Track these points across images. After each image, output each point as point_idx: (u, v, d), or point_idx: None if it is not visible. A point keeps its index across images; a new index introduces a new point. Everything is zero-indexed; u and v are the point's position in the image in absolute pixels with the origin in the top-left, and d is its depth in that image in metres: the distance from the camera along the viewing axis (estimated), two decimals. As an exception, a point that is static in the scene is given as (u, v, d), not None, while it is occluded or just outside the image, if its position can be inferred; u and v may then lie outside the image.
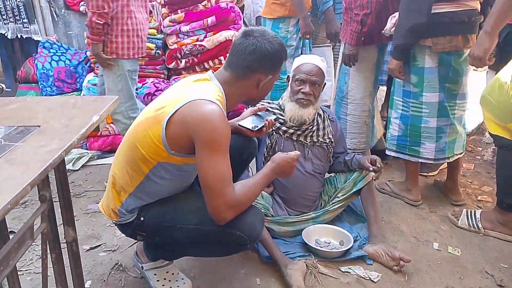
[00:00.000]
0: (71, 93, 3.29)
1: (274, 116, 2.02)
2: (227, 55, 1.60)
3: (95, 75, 3.07)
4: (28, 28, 3.50)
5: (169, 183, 1.58)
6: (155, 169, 1.51)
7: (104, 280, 1.83)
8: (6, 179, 0.82)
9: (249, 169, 2.21)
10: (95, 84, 2.98)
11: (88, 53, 3.09)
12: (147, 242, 1.74)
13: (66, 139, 1.04)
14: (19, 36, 3.54)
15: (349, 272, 1.89)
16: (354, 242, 2.03)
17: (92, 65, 3.10)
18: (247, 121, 1.83)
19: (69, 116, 1.24)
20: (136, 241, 2.07)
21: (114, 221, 1.62)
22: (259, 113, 1.88)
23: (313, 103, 2.14)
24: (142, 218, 1.58)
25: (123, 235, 2.11)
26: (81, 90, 3.24)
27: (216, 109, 1.41)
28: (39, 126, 1.14)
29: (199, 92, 1.47)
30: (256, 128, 1.80)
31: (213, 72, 1.60)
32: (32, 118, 1.23)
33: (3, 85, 1.03)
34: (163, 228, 1.57)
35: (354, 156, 2.25)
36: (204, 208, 1.50)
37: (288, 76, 2.23)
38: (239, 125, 1.81)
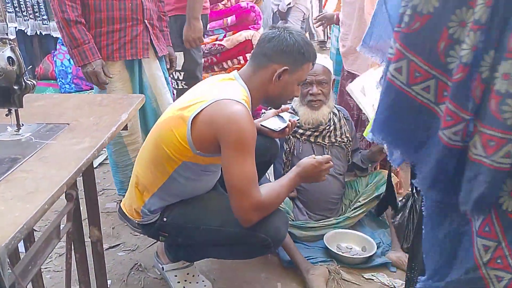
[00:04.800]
0: (89, 91, 3.28)
1: (297, 118, 1.99)
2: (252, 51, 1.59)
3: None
4: (47, 25, 3.50)
5: (193, 184, 1.55)
6: (179, 168, 1.49)
7: (124, 280, 1.81)
8: (41, 178, 0.79)
9: (267, 175, 2.18)
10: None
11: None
12: (169, 243, 1.72)
13: (97, 137, 1.02)
14: (38, 33, 3.55)
15: (372, 279, 1.85)
16: (377, 248, 1.98)
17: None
18: (270, 122, 1.81)
19: (98, 114, 1.22)
20: (155, 241, 2.06)
21: (136, 221, 1.60)
22: (282, 114, 1.86)
23: (325, 102, 2.11)
24: (165, 219, 1.56)
25: (142, 235, 2.14)
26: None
27: (242, 109, 1.39)
28: (68, 124, 1.12)
29: (224, 92, 1.44)
30: (279, 129, 1.77)
31: (237, 72, 1.57)
32: (61, 115, 1.21)
33: (35, 81, 1.01)
34: (186, 229, 1.54)
35: (360, 153, 2.22)
36: (228, 210, 1.47)
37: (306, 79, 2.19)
38: (261, 125, 1.79)
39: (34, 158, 0.89)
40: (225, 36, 3.10)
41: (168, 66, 2.26)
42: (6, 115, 1.00)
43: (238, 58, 3.14)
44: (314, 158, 1.58)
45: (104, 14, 1.90)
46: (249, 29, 3.10)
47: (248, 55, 3.10)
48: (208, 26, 3.08)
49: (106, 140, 1.01)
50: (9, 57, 0.93)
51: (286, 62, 1.49)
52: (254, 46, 3.04)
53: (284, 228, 1.55)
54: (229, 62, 3.17)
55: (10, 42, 0.96)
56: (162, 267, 1.77)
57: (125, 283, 1.80)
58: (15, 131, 1.03)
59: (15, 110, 1.01)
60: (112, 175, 2.32)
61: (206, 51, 3.10)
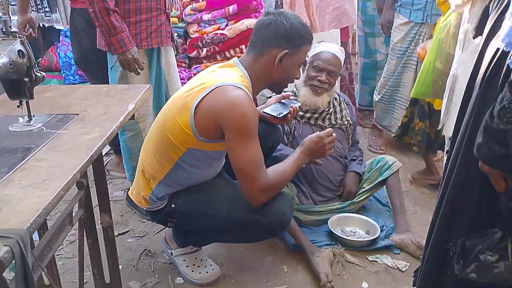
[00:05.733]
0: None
1: (299, 104, 2.01)
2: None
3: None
4: (50, 17, 3.51)
5: (199, 171, 1.59)
6: (184, 156, 1.52)
7: (134, 265, 1.86)
8: (54, 166, 0.83)
9: None
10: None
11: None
12: (177, 228, 1.76)
13: (106, 127, 1.05)
14: (41, 25, 3.56)
15: (376, 261, 1.89)
16: (380, 231, 2.02)
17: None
18: (272, 108, 1.83)
19: (105, 104, 1.25)
20: (163, 228, 2.11)
21: (145, 208, 1.64)
22: (283, 100, 1.88)
23: (328, 90, 2.14)
24: (173, 205, 1.60)
25: (150, 222, 2.19)
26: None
27: (243, 94, 1.42)
28: (77, 114, 1.15)
29: (224, 78, 1.47)
30: (281, 115, 1.80)
31: (237, 58, 1.60)
32: (69, 106, 1.24)
33: (44, 74, 1.04)
34: (194, 215, 1.59)
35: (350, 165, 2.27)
36: (235, 195, 1.52)
37: (305, 61, 2.21)
38: (264, 112, 1.81)
39: (46, 148, 0.92)
40: (227, 25, 3.09)
41: (175, 53, 2.35)
42: (18, 106, 1.03)
43: (240, 47, 3.13)
44: (315, 133, 1.63)
45: (132, 5, 2.00)
46: (251, 17, 3.09)
47: (250, 44, 3.10)
48: (210, 15, 3.09)
49: (115, 129, 1.04)
50: (19, 50, 0.96)
51: (286, 46, 1.51)
52: (255, 34, 3.08)
53: (289, 212, 1.59)
54: (232, 51, 3.17)
55: (20, 36, 0.98)
56: (171, 252, 1.82)
57: (136, 268, 1.85)
58: (26, 122, 1.06)
59: (26, 101, 1.04)
60: (124, 161, 2.36)
61: (208, 41, 3.11)
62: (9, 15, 3.38)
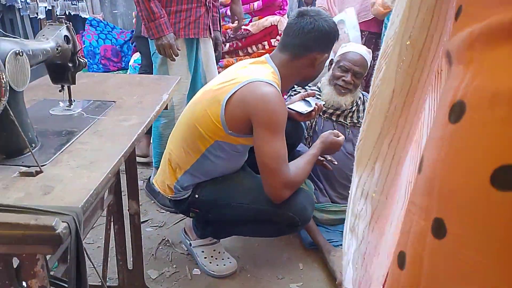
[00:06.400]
0: (117, 72, 3.35)
1: (323, 102, 2.02)
2: (282, 36, 1.61)
3: (140, 54, 3.12)
4: (76, 5, 3.57)
5: (224, 163, 1.61)
6: (212, 147, 1.55)
7: (153, 254, 1.89)
8: (98, 150, 0.85)
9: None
10: (140, 64, 3.03)
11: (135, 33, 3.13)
12: (198, 219, 1.79)
13: (144, 115, 1.07)
14: (67, 13, 3.62)
15: (392, 263, 1.90)
16: (397, 234, 2.02)
17: (138, 44, 3.15)
18: (297, 105, 1.85)
19: (139, 93, 1.28)
20: (182, 218, 2.14)
21: (169, 197, 1.67)
22: (308, 98, 1.90)
23: (352, 91, 2.15)
24: (196, 195, 1.62)
25: (169, 212, 2.22)
26: (126, 69, 3.30)
27: (274, 91, 1.45)
28: (114, 101, 1.18)
29: (257, 74, 1.49)
30: (306, 112, 1.81)
31: (269, 55, 1.61)
32: (105, 93, 1.27)
33: (85, 60, 1.07)
34: (217, 206, 1.61)
35: None
36: (258, 188, 1.54)
37: (332, 59, 2.21)
38: (288, 108, 1.83)
39: (89, 132, 0.95)
40: (251, 21, 3.11)
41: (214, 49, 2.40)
42: (60, 91, 1.06)
43: (263, 43, 3.16)
44: (338, 138, 1.70)
45: None
46: (275, 14, 3.11)
47: (273, 41, 3.11)
48: (235, 10, 3.11)
49: (152, 117, 1.07)
50: (65, 36, 0.98)
51: (326, 50, 1.56)
52: (279, 31, 3.09)
53: (310, 208, 1.61)
54: (254, 47, 3.19)
55: (66, 21, 1.01)
56: (190, 243, 1.84)
57: (154, 257, 1.88)
58: (67, 106, 1.09)
59: (67, 86, 1.07)
60: (152, 147, 2.40)
61: (231, 36, 3.13)
62: (36, 1, 3.44)
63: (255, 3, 3.09)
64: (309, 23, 1.51)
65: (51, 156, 0.81)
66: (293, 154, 1.96)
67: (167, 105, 1.28)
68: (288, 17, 3.26)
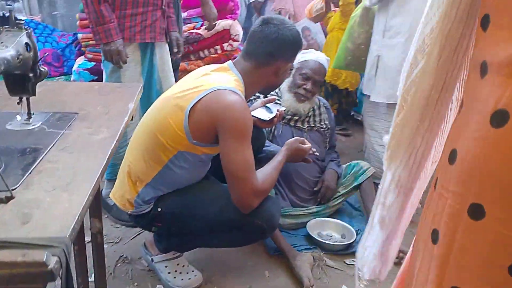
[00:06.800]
0: (58, 77, 3.14)
1: (284, 108, 2.04)
2: (245, 44, 1.60)
3: (85, 59, 2.95)
4: (12, 6, 3.29)
5: (187, 173, 1.56)
6: (175, 158, 1.50)
7: (111, 273, 1.78)
8: (72, 168, 0.78)
9: None
10: (86, 69, 2.87)
11: (79, 36, 2.95)
12: (161, 233, 1.71)
13: (113, 127, 1.00)
14: (1, 14, 3.33)
15: (353, 265, 1.94)
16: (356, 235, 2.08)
17: (82, 48, 2.97)
18: (259, 112, 1.85)
19: (103, 103, 1.20)
20: (139, 232, 2.05)
21: (129, 212, 1.59)
22: (268, 104, 1.90)
23: (310, 99, 2.21)
24: (159, 209, 1.56)
25: (124, 226, 2.11)
26: (69, 74, 3.11)
27: (240, 99, 1.44)
28: (77, 113, 1.09)
29: (221, 82, 1.47)
30: (268, 119, 1.82)
31: (232, 62, 1.59)
32: (64, 104, 1.18)
33: (46, 69, 0.98)
34: (182, 218, 1.56)
35: (329, 163, 2.32)
36: (224, 198, 1.51)
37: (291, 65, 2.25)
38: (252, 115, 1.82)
39: (56, 148, 0.87)
40: (202, 25, 3.06)
41: (176, 50, 2.33)
42: (18, 103, 0.96)
43: (215, 47, 3.11)
44: (303, 146, 1.72)
45: None
46: (227, 18, 3.08)
47: (225, 45, 3.08)
48: (186, 13, 3.04)
49: (122, 130, 1.00)
50: (26, 43, 0.90)
51: (290, 59, 1.57)
52: (231, 35, 3.07)
53: (277, 214, 1.61)
54: (206, 51, 3.14)
55: (25, 27, 0.92)
56: (151, 259, 1.76)
57: (113, 276, 1.78)
58: (25, 120, 0.99)
59: (26, 98, 0.97)
60: None
61: (183, 40, 3.05)
62: None
63: (207, 7, 3.03)
64: (273, 32, 1.50)
65: (19, 178, 0.72)
66: (259, 158, 1.95)
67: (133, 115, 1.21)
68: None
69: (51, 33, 3.32)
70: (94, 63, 2.88)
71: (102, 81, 2.76)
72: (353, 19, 2.65)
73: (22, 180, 0.72)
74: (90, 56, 2.90)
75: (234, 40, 3.10)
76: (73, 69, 2.94)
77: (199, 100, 1.42)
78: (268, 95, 2.06)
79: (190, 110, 1.42)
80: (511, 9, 0.44)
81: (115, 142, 0.91)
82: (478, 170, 0.47)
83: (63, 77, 3.19)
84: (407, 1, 2.13)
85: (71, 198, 0.66)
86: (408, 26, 2.11)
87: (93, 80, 2.86)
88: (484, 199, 0.47)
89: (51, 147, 0.87)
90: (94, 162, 0.81)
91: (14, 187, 0.69)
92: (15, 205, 0.64)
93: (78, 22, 2.93)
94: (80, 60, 2.98)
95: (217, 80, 1.48)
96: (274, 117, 1.83)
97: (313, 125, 2.27)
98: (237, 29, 3.10)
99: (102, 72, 2.78)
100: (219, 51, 3.08)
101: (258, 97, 2.10)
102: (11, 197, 0.65)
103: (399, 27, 2.18)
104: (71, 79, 2.95)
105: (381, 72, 2.29)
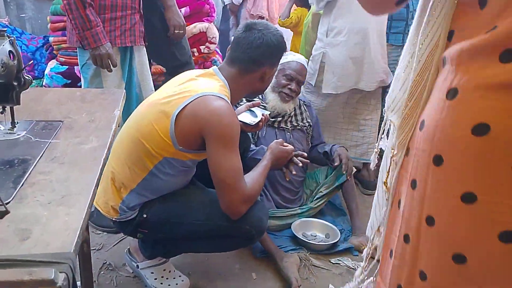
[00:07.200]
0: (29, 82, 3.04)
1: (269, 112, 2.04)
2: (229, 50, 1.59)
3: (57, 63, 2.87)
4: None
5: (173, 179, 1.54)
6: (160, 164, 1.47)
7: (95, 281, 1.74)
8: (66, 180, 0.76)
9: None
10: (59, 73, 2.79)
11: (51, 39, 2.86)
12: (146, 239, 1.69)
13: (102, 136, 0.98)
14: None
15: (339, 264, 1.97)
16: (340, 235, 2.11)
17: (54, 51, 2.88)
18: (244, 116, 1.84)
19: (87, 110, 1.17)
20: (121, 239, 2.01)
21: (113, 219, 1.55)
22: (253, 109, 1.90)
23: (294, 98, 2.22)
24: (145, 215, 1.53)
25: (105, 233, 2.06)
26: (40, 78, 3.01)
27: (227, 104, 1.42)
28: (61, 121, 1.06)
29: (207, 87, 1.45)
30: (254, 123, 1.81)
31: (217, 68, 1.58)
32: (46, 111, 1.14)
33: (30, 77, 0.95)
34: (169, 225, 1.53)
35: (332, 146, 2.32)
36: (211, 203, 1.50)
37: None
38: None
39: (45, 159, 0.84)
40: (180, 28, 3.03)
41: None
42: (1, 112, 0.92)
43: (192, 50, 3.08)
44: (285, 147, 1.72)
45: (108, 1, 1.96)
46: (203, 21, 3.06)
47: (202, 47, 3.06)
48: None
49: (111, 138, 0.98)
50: (10, 51, 0.86)
51: (275, 64, 1.57)
52: (208, 38, 3.05)
53: (265, 218, 1.60)
54: (183, 54, 3.10)
55: (8, 35, 0.88)
56: (137, 265, 1.73)
57: (97, 283, 1.73)
58: (9, 129, 0.95)
59: (10, 107, 0.94)
60: None
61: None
62: None
63: (182, 9, 3.00)
64: (257, 38, 1.50)
65: (12, 191, 0.70)
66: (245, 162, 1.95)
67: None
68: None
69: (19, 36, 3.20)
70: (66, 66, 2.81)
71: (75, 85, 2.70)
72: (306, 25, 2.93)
73: (15, 193, 0.69)
74: (62, 59, 2.82)
75: (211, 43, 3.08)
76: (45, 73, 2.85)
77: (185, 106, 1.40)
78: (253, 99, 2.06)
79: (176, 116, 1.40)
80: (469, 27, 0.64)
81: (105, 151, 0.89)
82: (438, 128, 0.65)
83: (34, 81, 3.08)
84: (347, 6, 2.43)
85: (69, 212, 0.64)
86: (348, 27, 2.43)
87: (66, 84, 2.78)
88: (442, 151, 0.64)
89: (40, 157, 0.84)
90: (87, 173, 0.78)
91: (7, 201, 0.66)
92: (11, 221, 0.62)
93: (49, 25, 2.84)
94: (52, 63, 2.89)
95: (203, 86, 1.47)
96: (260, 121, 1.83)
97: (296, 124, 2.30)
98: (214, 32, 3.08)
99: (75, 76, 2.73)
100: (196, 54, 3.06)
101: (242, 100, 2.09)
102: (6, 212, 0.63)
103: (340, 28, 2.47)
104: (43, 83, 2.86)
105: (328, 67, 2.51)
